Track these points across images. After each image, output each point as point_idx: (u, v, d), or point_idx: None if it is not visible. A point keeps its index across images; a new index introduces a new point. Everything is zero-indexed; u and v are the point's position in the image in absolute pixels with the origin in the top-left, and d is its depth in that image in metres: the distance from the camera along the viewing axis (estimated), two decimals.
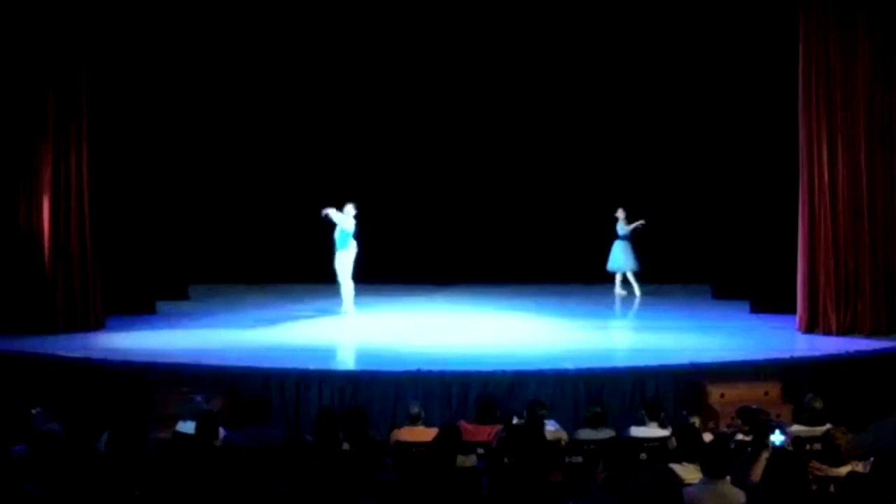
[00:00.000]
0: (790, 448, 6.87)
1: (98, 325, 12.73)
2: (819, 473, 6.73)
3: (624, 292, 16.02)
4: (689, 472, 6.55)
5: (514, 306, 14.85)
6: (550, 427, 8.40)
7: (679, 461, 6.81)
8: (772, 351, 11.45)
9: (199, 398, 8.99)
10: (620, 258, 16.08)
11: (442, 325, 13.44)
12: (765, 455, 6.58)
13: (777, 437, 6.74)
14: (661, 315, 14.02)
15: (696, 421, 8.78)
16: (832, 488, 6.52)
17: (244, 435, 8.02)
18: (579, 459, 7.94)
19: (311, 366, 10.68)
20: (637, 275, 16.03)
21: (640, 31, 15.95)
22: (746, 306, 14.11)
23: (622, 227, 16.09)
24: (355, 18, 16.06)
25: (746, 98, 14.27)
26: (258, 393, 9.67)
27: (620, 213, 16.08)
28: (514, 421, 8.38)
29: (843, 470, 6.62)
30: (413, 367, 10.52)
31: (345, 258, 13.84)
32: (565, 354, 11.37)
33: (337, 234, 13.86)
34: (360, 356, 11.36)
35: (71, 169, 12.55)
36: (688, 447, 6.96)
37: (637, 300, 15.71)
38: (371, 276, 14.88)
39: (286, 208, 16.57)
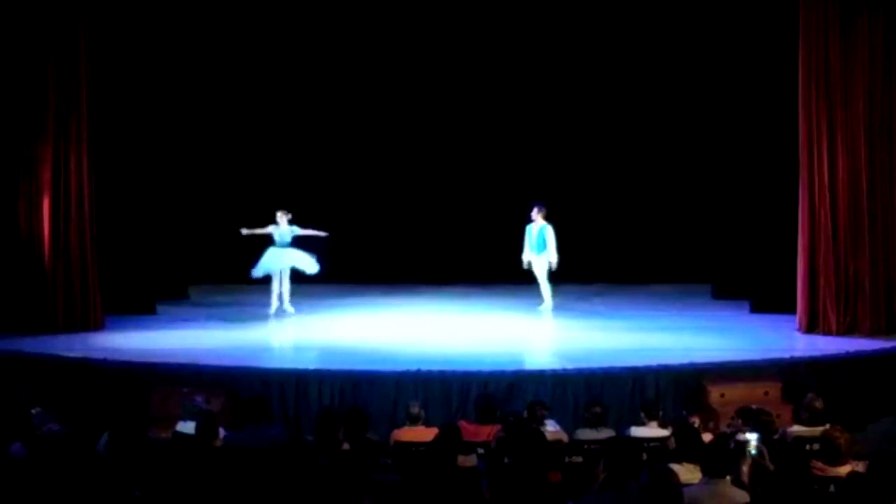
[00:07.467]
0: (762, 455, 6.92)
1: (98, 325, 12.73)
2: (819, 473, 6.74)
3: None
4: (689, 472, 6.55)
5: (514, 306, 14.83)
6: (550, 427, 8.41)
7: (679, 461, 6.81)
8: (772, 351, 11.44)
9: (199, 398, 9.00)
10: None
11: (442, 325, 13.43)
12: (744, 467, 6.59)
13: (753, 447, 6.79)
14: (661, 315, 13.99)
15: (695, 421, 8.79)
16: (832, 488, 6.52)
17: (244, 435, 8.03)
18: (579, 459, 7.96)
19: (311, 366, 10.68)
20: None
21: (639, 29, 15.90)
22: (746, 306, 14.08)
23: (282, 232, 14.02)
24: (356, 24, 16.02)
25: (746, 97, 14.25)
26: (258, 393, 9.66)
27: (282, 217, 14.03)
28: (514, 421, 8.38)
29: (843, 470, 6.62)
30: (413, 367, 10.52)
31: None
32: (565, 354, 11.36)
33: (536, 240, 14.54)
34: (360, 356, 11.35)
35: (71, 169, 12.55)
36: (688, 447, 6.96)
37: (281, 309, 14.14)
38: (372, 276, 14.87)
39: (285, 208, 16.53)
